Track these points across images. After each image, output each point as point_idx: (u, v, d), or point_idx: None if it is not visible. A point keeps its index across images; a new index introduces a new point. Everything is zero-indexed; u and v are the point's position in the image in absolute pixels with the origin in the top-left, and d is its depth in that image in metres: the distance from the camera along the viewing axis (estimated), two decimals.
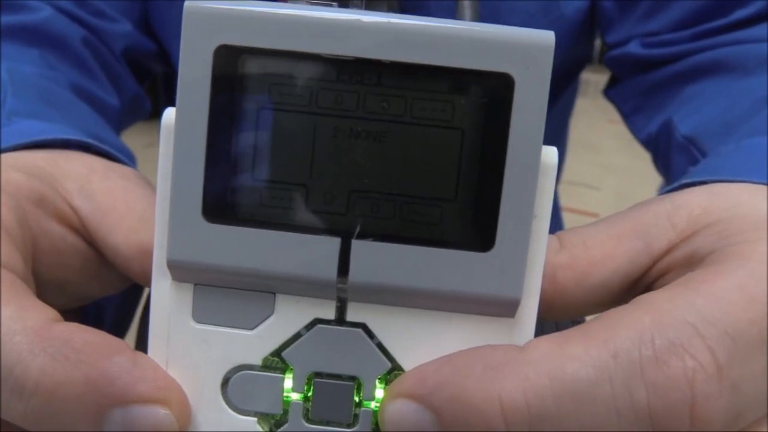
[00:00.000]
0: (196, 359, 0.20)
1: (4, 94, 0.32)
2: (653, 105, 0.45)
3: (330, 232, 0.19)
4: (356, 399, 0.20)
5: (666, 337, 0.18)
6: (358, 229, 0.19)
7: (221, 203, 0.19)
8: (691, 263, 0.21)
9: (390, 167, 0.19)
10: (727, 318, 0.18)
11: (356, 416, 0.20)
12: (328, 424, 0.20)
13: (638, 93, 0.47)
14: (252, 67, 0.18)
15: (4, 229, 0.22)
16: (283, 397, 0.20)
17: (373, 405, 0.20)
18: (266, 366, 0.20)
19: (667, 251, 0.22)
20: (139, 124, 0.53)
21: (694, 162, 0.36)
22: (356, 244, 0.19)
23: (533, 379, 0.18)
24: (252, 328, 0.20)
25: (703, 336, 0.18)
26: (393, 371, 0.20)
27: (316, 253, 0.19)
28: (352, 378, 0.20)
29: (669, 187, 0.27)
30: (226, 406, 0.20)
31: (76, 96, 0.38)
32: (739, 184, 0.23)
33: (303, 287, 0.19)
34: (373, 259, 0.19)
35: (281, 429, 0.20)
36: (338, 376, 0.20)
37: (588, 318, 0.24)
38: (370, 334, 0.20)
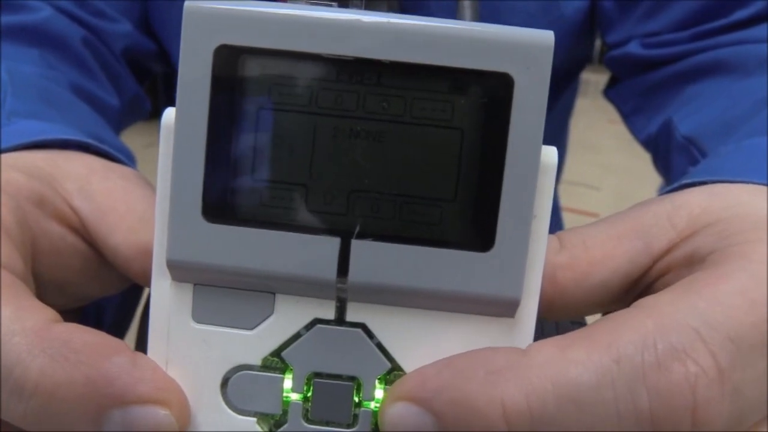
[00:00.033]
0: (195, 359, 0.20)
1: (4, 94, 0.32)
2: (653, 105, 0.45)
3: (330, 232, 0.19)
4: (356, 399, 0.20)
5: (669, 342, 0.18)
6: (357, 229, 0.19)
7: (221, 203, 0.19)
8: (691, 263, 0.21)
9: (390, 167, 0.18)
10: (730, 322, 0.18)
11: (356, 416, 0.20)
12: (327, 424, 0.20)
13: (638, 93, 0.47)
14: (252, 67, 0.18)
15: (3, 229, 0.22)
16: (282, 397, 0.20)
17: (372, 405, 0.20)
18: (266, 366, 0.20)
19: (667, 251, 0.22)
20: (139, 124, 0.53)
21: (694, 162, 0.36)
22: (356, 244, 0.19)
23: (536, 383, 0.17)
24: (252, 328, 0.20)
25: (706, 340, 0.18)
26: (392, 371, 0.20)
27: (315, 253, 0.19)
28: (352, 378, 0.20)
29: (669, 188, 0.27)
30: (225, 407, 0.20)
31: (76, 96, 0.38)
32: (739, 184, 0.23)
33: (303, 287, 0.19)
34: (373, 259, 0.19)
35: (281, 429, 0.20)
36: (338, 377, 0.20)
37: (588, 318, 0.24)
38: (370, 334, 0.20)
